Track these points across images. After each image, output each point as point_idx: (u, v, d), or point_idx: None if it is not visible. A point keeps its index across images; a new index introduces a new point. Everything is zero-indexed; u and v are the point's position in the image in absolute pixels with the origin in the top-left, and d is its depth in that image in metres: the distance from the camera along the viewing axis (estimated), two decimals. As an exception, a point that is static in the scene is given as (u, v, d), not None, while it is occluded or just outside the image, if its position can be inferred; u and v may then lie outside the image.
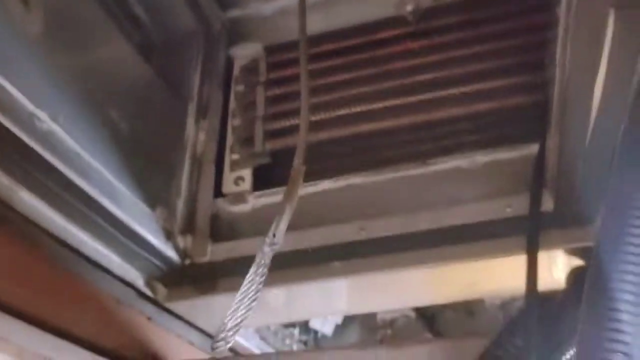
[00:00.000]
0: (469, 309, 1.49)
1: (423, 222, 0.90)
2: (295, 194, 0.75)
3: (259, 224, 1.04)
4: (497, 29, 1.04)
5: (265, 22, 1.22)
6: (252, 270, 0.71)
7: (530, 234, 0.80)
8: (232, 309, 0.69)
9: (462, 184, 0.94)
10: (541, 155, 0.86)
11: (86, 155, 0.78)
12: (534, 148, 0.92)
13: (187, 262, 0.98)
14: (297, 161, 0.79)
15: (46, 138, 0.71)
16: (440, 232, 0.89)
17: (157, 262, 0.94)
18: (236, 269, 0.97)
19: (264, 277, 0.72)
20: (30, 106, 0.69)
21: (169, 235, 0.95)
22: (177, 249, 0.96)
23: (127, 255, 0.90)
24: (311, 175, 1.04)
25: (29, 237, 0.78)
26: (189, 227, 1.00)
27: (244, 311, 0.69)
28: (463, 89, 1.02)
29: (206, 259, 0.98)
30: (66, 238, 0.82)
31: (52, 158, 0.71)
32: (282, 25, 1.20)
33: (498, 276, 0.92)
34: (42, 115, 0.71)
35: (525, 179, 0.89)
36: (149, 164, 0.94)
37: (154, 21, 1.16)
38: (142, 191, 0.90)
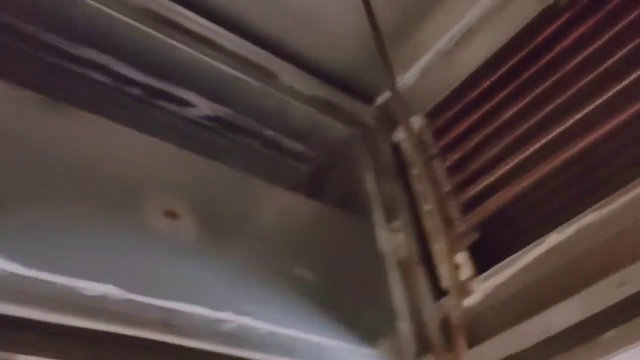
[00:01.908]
0: None
1: None
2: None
3: (499, 310, 0.88)
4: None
5: (413, 92, 1.12)
6: None
7: None
8: None
9: None
10: None
11: (282, 330, 0.75)
12: None
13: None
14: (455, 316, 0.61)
15: (234, 335, 0.70)
16: None
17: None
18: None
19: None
20: (212, 313, 0.70)
21: (405, 364, 0.86)
22: (419, 376, 0.86)
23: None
24: (529, 233, 0.87)
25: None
26: (423, 346, 0.89)
27: None
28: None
29: (457, 376, 0.86)
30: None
31: (243, 351, 0.70)
32: (430, 86, 1.09)
33: None
34: (226, 315, 0.71)
35: None
36: (354, 300, 0.88)
37: (311, 146, 1.16)
38: (355, 332, 0.83)
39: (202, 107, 1.07)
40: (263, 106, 1.09)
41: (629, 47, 0.83)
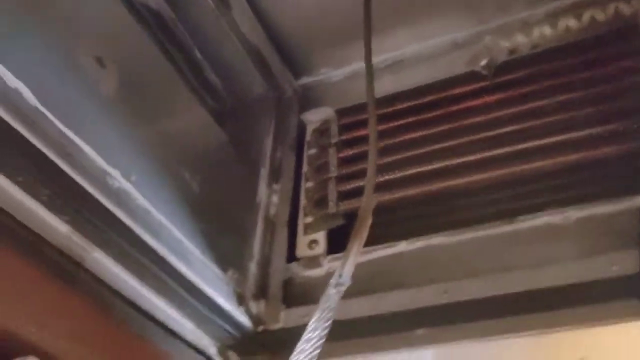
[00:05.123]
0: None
1: (512, 283, 0.81)
2: (364, 232, 0.71)
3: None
4: (577, 78, 0.99)
5: (336, 87, 1.23)
6: (315, 315, 0.65)
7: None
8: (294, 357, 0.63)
9: (555, 241, 0.85)
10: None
11: (157, 214, 0.77)
12: (634, 201, 0.83)
13: (260, 328, 0.93)
14: (366, 198, 0.73)
15: (118, 195, 0.71)
16: (535, 294, 0.79)
17: (230, 328, 0.90)
18: (310, 335, 0.92)
19: (329, 322, 0.66)
20: (103, 164, 0.70)
21: (241, 300, 0.91)
22: (249, 314, 0.92)
23: (199, 320, 0.86)
24: (388, 237, 0.99)
25: (101, 298, 0.77)
26: (261, 291, 0.96)
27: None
28: (546, 141, 0.95)
29: (279, 325, 0.93)
30: (138, 300, 0.79)
31: (123, 215, 0.71)
32: (352, 89, 1.20)
33: (611, 348, 0.80)
34: (115, 173, 0.71)
35: (628, 235, 0.80)
36: (221, 225, 0.93)
37: (227, 87, 1.19)
38: (213, 252, 0.87)
39: (149, -5, 1.06)
40: (205, 29, 1.11)
41: (508, 128, 1.00)
